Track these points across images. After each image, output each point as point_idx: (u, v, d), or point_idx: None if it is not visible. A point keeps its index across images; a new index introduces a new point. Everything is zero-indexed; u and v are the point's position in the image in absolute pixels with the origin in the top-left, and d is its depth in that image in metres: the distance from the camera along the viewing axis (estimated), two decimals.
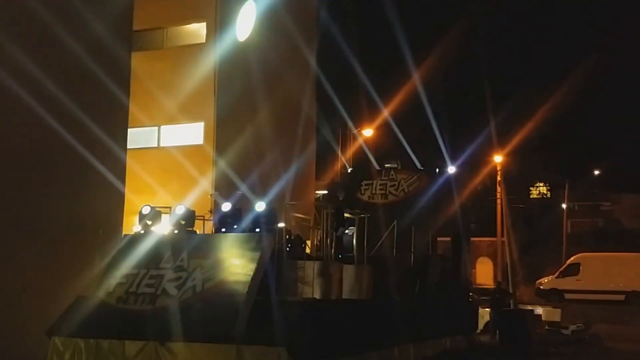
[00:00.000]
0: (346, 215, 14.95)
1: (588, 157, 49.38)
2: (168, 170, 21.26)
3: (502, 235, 37.04)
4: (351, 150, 33.27)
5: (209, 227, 13.24)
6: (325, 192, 27.26)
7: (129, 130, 17.37)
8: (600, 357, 17.85)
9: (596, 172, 50.98)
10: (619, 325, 24.20)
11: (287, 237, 13.32)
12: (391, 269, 15.03)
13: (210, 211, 14.35)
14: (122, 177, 16.53)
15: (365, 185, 19.68)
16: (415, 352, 14.58)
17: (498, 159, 36.64)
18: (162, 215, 12.27)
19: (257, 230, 11.41)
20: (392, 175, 19.61)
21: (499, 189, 35.73)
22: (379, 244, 15.99)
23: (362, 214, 14.67)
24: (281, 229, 12.85)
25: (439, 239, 19.86)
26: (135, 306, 10.65)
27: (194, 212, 12.19)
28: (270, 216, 11.55)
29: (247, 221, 11.67)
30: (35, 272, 13.38)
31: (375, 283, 13.71)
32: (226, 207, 11.84)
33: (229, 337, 9.92)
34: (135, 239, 11.81)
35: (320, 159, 30.02)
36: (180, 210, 11.96)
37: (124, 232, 13.92)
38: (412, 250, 16.82)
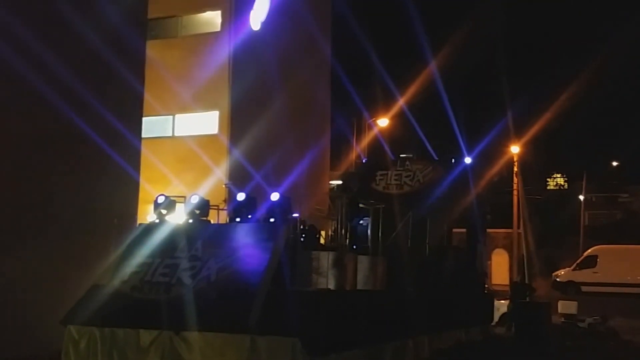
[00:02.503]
0: (361, 205, 14.84)
1: (606, 148, 48.72)
2: (183, 160, 21.27)
3: (519, 227, 36.71)
4: (366, 140, 33.04)
5: (224, 216, 13.19)
6: (340, 182, 27.09)
7: (143, 119, 17.35)
8: (616, 351, 17.62)
9: (614, 164, 50.34)
10: (636, 318, 23.89)
11: (302, 227, 13.25)
12: (406, 260, 14.90)
13: (225, 201, 14.31)
14: (137, 166, 16.53)
15: (380, 175, 19.39)
16: (429, 344, 14.46)
17: (515, 149, 36.28)
18: (177, 204, 12.24)
19: (272, 220, 11.33)
20: (407, 165, 19.29)
21: (515, 179, 35.36)
22: (393, 234, 15.90)
23: (376, 204, 14.53)
24: (295, 219, 12.78)
25: (454, 230, 19.66)
26: (150, 295, 10.64)
27: (208, 201, 12.14)
28: (284, 206, 11.46)
29: (261, 211, 11.59)
30: (50, 260, 13.44)
31: (389, 274, 13.59)
32: (241, 196, 11.77)
33: (242, 327, 9.86)
34: (150, 228, 11.79)
35: (334, 149, 29.88)
36: (194, 199, 11.91)
37: (138, 221, 13.92)
38: (427, 241, 16.67)
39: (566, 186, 50.86)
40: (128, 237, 11.81)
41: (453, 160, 20.01)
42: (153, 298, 10.57)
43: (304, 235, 13.03)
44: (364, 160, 27.48)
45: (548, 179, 50.68)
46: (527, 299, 20.87)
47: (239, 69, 22.13)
